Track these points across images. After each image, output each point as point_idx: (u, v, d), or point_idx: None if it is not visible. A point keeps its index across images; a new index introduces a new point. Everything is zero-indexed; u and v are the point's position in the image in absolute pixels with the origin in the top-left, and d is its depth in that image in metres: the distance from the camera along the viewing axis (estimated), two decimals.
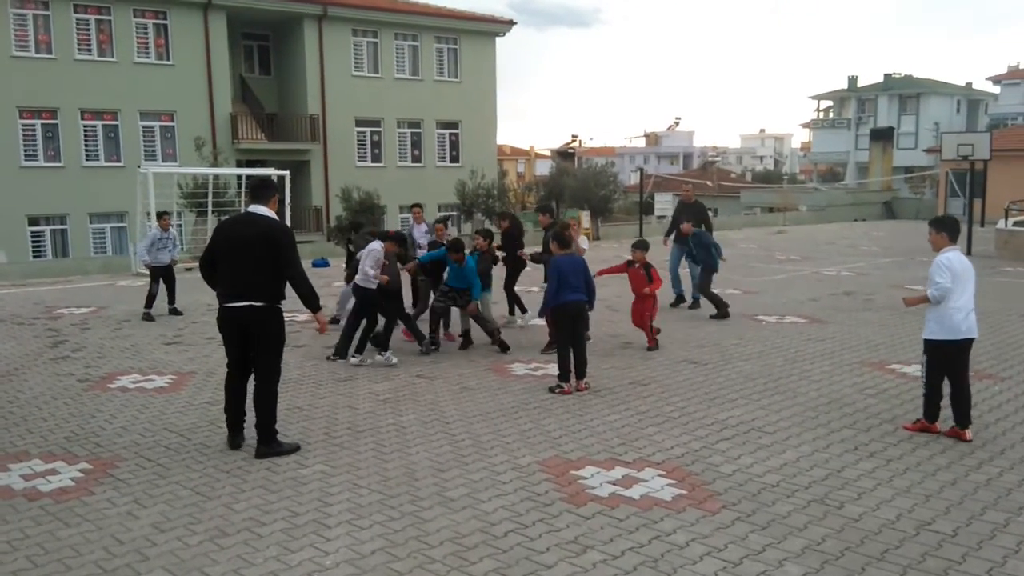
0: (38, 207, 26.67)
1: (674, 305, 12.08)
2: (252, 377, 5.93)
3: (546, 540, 4.41)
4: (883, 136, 47.31)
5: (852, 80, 61.08)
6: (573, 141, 60.50)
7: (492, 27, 34.87)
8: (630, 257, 9.46)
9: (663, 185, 42.01)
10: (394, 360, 8.52)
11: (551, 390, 7.36)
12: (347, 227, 11.51)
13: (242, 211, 6.09)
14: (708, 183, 46.58)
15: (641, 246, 9.48)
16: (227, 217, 6.44)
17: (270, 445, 5.77)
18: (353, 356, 8.61)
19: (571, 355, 7.43)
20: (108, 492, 5.14)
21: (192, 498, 5.01)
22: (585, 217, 26.01)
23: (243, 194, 20.06)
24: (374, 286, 8.48)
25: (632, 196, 39.81)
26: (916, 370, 7.97)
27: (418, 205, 13.09)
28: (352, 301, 9.10)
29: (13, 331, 10.89)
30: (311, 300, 5.90)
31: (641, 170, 30.86)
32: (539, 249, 10.72)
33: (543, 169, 56.26)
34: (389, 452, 5.81)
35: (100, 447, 6.05)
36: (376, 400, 7.18)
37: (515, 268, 10.81)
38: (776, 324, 10.96)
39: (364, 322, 8.69)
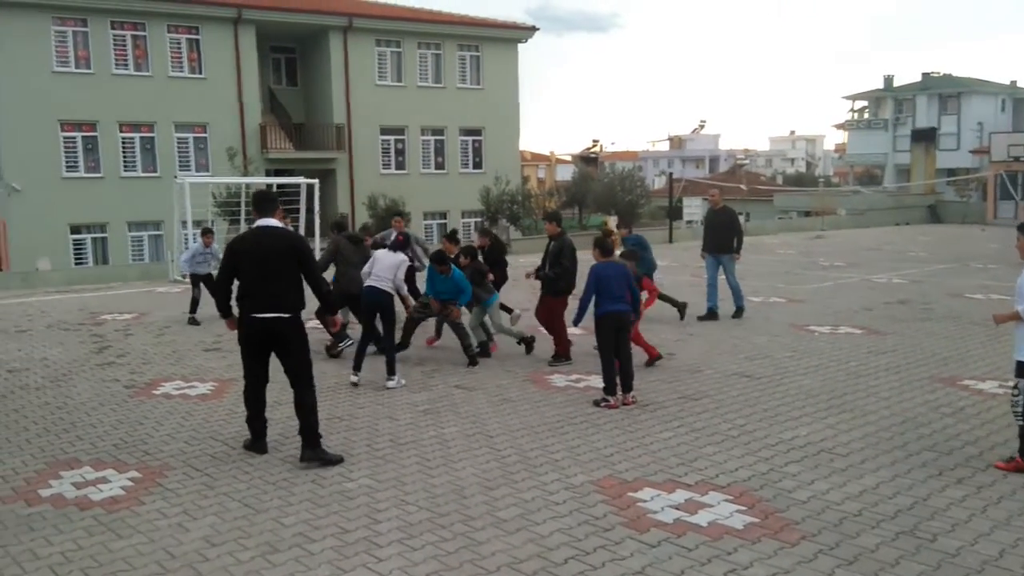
0: (79, 216, 27.25)
1: (703, 318, 11.45)
2: (266, 386, 6.20)
3: (611, 570, 4.21)
4: (925, 137, 45.98)
5: (888, 80, 59.87)
6: (594, 146, 60.19)
7: (514, 34, 34.91)
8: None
9: (692, 189, 41.73)
10: (403, 382, 8.15)
11: (596, 403, 7.23)
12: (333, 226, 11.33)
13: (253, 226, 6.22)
14: (742, 187, 45.95)
15: (630, 256, 8.95)
16: (244, 232, 6.53)
17: (316, 450, 5.89)
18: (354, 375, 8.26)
19: (615, 367, 7.23)
20: (158, 502, 5.25)
21: (241, 511, 5.10)
22: (613, 222, 25.96)
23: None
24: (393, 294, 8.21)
25: (657, 200, 39.54)
26: (992, 387, 7.77)
27: (400, 214, 13.14)
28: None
29: (60, 336, 11.13)
30: (331, 304, 6.64)
31: (670, 174, 30.70)
32: (540, 262, 9.53)
33: (564, 174, 56.23)
34: (434, 467, 5.80)
35: (148, 455, 6.17)
36: (416, 411, 7.24)
37: (496, 285, 10.14)
38: (830, 335, 10.62)
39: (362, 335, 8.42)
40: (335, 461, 5.88)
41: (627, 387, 7.31)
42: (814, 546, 4.45)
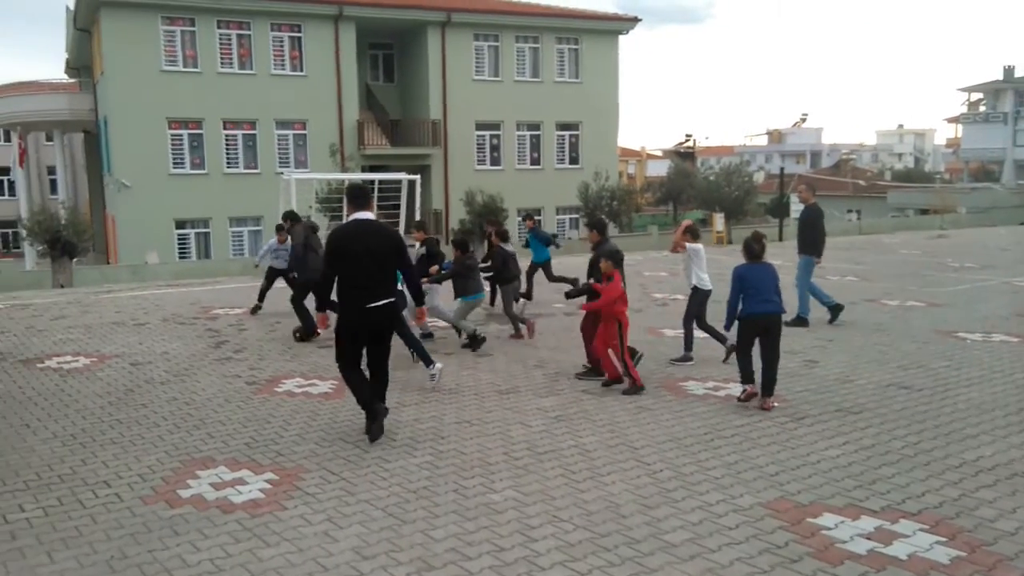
0: (184, 211, 28.09)
1: (791, 324, 10.18)
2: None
3: None
4: None
5: (1008, 70, 56.48)
6: (687, 140, 58.85)
7: (615, 25, 34.35)
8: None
9: (801, 184, 39.94)
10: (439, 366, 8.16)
11: (738, 399, 7.15)
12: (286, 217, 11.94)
13: (350, 219, 6.45)
14: (861, 182, 43.86)
15: (611, 256, 7.93)
16: (342, 226, 6.50)
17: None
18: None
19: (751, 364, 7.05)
20: (300, 508, 5.07)
21: (386, 520, 4.86)
22: (719, 219, 25.08)
23: (376, 199, 20.36)
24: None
25: (759, 197, 38.25)
26: None
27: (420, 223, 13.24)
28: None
29: (177, 331, 11.25)
30: (422, 295, 6.82)
31: (781, 169, 29.57)
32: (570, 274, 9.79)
33: (654, 170, 55.11)
34: (581, 480, 5.47)
35: (281, 455, 6.04)
36: (547, 417, 6.91)
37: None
38: (984, 343, 9.85)
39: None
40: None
41: (768, 391, 7.00)
42: None
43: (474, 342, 9.65)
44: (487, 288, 11.66)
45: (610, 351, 7.64)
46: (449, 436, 6.41)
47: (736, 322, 7.18)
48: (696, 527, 4.71)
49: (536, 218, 14.99)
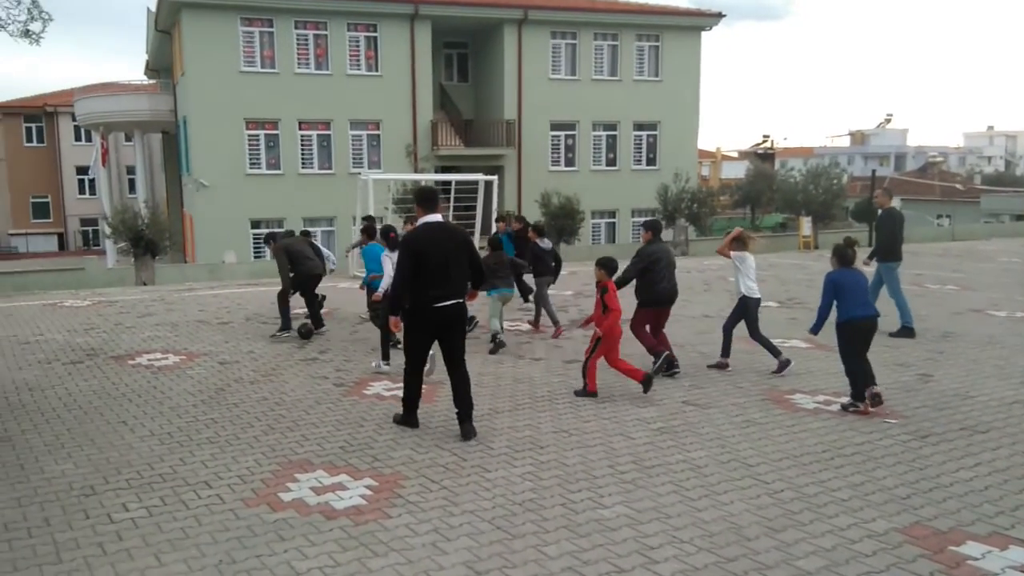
0: (259, 211, 28.54)
1: (895, 335, 10.10)
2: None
3: None
4: None
5: None
6: (764, 141, 57.38)
7: (698, 21, 33.38)
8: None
9: (897, 188, 38.22)
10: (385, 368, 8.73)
11: (844, 407, 6.99)
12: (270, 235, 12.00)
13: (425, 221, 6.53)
14: (958, 185, 42.07)
15: (605, 265, 7.79)
16: (416, 228, 6.52)
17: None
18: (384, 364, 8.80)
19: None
20: (404, 517, 4.92)
21: (496, 534, 4.67)
22: (806, 224, 24.23)
23: (452, 199, 20.35)
24: None
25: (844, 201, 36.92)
26: None
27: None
28: None
29: (260, 330, 11.29)
30: (482, 283, 6.96)
31: (873, 171, 28.55)
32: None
33: (730, 172, 53.94)
34: (695, 498, 5.18)
35: (378, 460, 5.91)
36: (649, 429, 6.63)
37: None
38: None
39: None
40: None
41: (859, 395, 6.99)
42: None
43: (495, 345, 9.83)
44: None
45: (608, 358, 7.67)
46: (548, 446, 6.19)
47: (820, 326, 7.15)
48: (830, 553, 4.40)
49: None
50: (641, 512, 4.94)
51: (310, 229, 14.09)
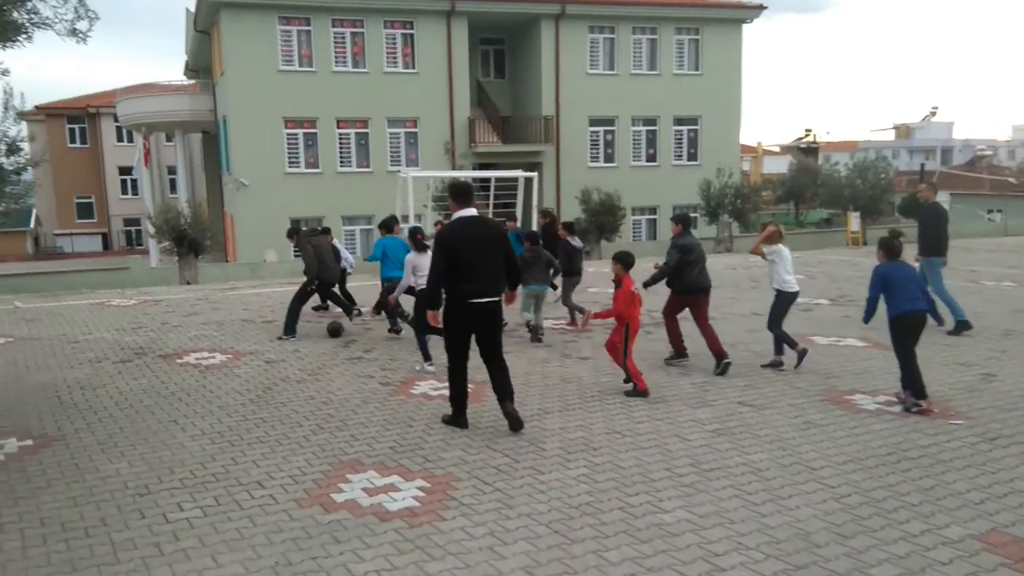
0: (299, 210, 28.62)
1: (953, 333, 9.97)
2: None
3: None
4: None
5: None
6: (807, 135, 56.39)
7: (739, 13, 32.79)
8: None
9: (947, 182, 37.18)
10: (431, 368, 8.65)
11: (907, 409, 6.78)
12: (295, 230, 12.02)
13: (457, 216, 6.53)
14: (1011, 179, 40.74)
15: (621, 259, 7.84)
16: (450, 223, 6.54)
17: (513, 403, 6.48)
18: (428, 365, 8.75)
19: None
20: (459, 519, 4.83)
21: (553, 538, 4.56)
22: (854, 219, 23.70)
23: (491, 196, 20.31)
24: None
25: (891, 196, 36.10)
26: None
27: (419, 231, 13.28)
28: None
29: (304, 328, 11.29)
30: (519, 282, 6.88)
31: (922, 164, 27.89)
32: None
33: (771, 166, 53.08)
34: (759, 503, 5.01)
35: (428, 461, 5.83)
36: (705, 430, 6.47)
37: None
38: None
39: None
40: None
41: (919, 393, 6.87)
42: None
43: (533, 332, 10.30)
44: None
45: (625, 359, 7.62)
46: (602, 447, 6.07)
47: (871, 316, 7.06)
48: (904, 561, 4.23)
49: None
50: (703, 517, 4.80)
51: (328, 227, 14.16)
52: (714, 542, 4.47)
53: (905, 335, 6.86)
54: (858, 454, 5.86)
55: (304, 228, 13.07)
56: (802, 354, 8.26)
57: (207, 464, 5.85)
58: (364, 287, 14.47)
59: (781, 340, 8.39)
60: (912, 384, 6.87)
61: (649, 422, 6.70)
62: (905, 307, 6.80)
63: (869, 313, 7.07)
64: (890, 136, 79.70)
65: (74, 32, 7.42)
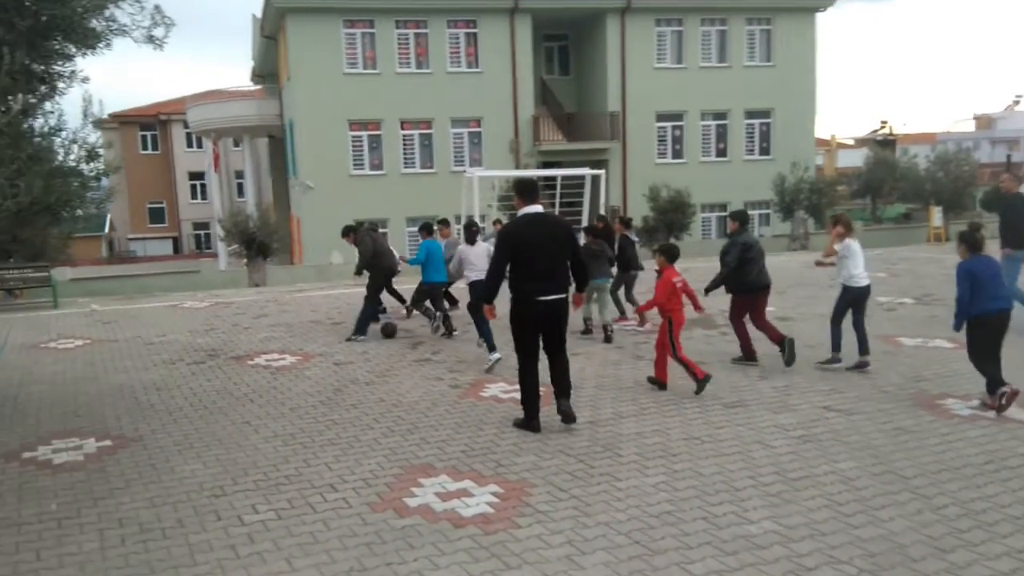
0: (363, 212, 28.77)
1: None
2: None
3: None
4: None
5: None
6: (883, 127, 54.61)
7: (812, 2, 31.72)
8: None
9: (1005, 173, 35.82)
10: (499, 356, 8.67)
11: (998, 411, 6.53)
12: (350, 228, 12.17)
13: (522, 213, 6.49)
14: None
15: (664, 251, 7.88)
16: (517, 220, 6.49)
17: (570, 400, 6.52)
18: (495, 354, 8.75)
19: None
20: (535, 527, 4.69)
21: (634, 549, 4.39)
22: (936, 214, 22.81)
23: (558, 194, 20.16)
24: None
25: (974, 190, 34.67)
26: None
27: (444, 221, 13.49)
28: None
29: (373, 330, 11.29)
30: (586, 281, 6.85)
31: (1008, 156, 26.68)
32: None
33: (846, 160, 51.50)
34: (850, 513, 4.75)
35: (501, 466, 5.71)
36: (789, 436, 6.19)
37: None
38: None
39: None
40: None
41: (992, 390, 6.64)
42: None
43: (588, 330, 10.39)
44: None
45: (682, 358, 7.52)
46: (680, 454, 5.86)
47: (963, 321, 6.69)
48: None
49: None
50: (792, 528, 4.57)
51: (385, 230, 14.39)
52: (804, 555, 4.24)
53: (986, 337, 6.59)
54: (953, 462, 5.55)
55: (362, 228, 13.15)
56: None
57: (280, 466, 5.83)
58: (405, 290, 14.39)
59: (833, 337, 8.17)
60: (992, 379, 6.60)
61: (730, 427, 6.46)
62: (987, 307, 6.55)
63: (960, 316, 6.69)
64: (970, 127, 76.55)
65: (151, 39, 7.53)
